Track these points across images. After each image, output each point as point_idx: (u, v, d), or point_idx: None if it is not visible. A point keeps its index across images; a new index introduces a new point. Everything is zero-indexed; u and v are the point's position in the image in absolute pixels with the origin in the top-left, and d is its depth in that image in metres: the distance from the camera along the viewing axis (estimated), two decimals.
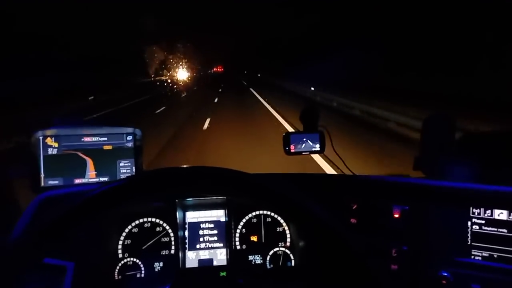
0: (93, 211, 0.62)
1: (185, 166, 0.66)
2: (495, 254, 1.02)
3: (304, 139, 1.44)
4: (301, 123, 1.47)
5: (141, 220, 1.25)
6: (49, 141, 1.27)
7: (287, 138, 1.42)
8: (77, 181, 1.31)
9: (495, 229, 1.02)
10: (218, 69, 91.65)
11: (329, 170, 5.28)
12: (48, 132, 1.28)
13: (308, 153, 1.44)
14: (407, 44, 14.73)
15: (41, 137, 1.27)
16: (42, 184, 1.28)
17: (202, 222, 1.29)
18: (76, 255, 1.06)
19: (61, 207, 0.61)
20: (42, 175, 1.28)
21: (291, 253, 1.29)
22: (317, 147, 1.44)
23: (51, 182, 1.29)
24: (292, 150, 1.42)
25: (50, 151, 1.28)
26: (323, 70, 19.98)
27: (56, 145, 1.28)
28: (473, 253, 1.05)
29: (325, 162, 5.60)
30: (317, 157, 5.66)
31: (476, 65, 10.40)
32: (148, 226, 1.25)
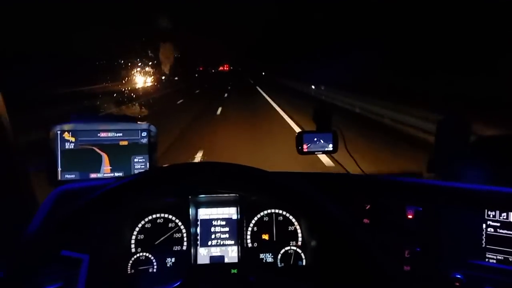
0: (110, 204, 0.63)
1: (200, 161, 0.67)
2: (510, 258, 1.01)
3: (317, 139, 1.44)
4: (314, 123, 1.48)
5: (154, 216, 1.26)
6: (66, 135, 1.30)
7: (300, 138, 1.42)
8: (93, 175, 1.33)
9: (511, 232, 1.01)
10: (225, 68, 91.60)
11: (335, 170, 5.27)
12: (66, 126, 1.30)
13: (321, 152, 1.44)
14: (410, 44, 14.61)
15: (59, 132, 1.29)
16: (59, 178, 1.30)
17: (214, 219, 1.30)
18: (91, 248, 1.07)
19: (79, 200, 0.62)
20: (59, 169, 1.30)
21: (302, 252, 1.29)
22: (330, 147, 1.43)
23: (67, 176, 1.31)
24: (305, 150, 1.42)
25: (67, 145, 1.30)
26: (326, 70, 20.00)
27: (73, 139, 1.30)
28: (487, 255, 1.04)
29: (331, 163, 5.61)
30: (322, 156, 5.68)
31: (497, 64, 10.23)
32: (161, 222, 1.27)
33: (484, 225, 1.04)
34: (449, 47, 12.28)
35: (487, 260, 1.04)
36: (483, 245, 1.04)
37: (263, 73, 53.87)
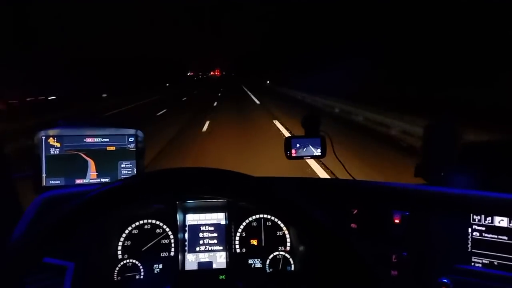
0: (96, 211, 0.62)
1: (187, 167, 0.66)
2: (496, 262, 1.01)
3: (306, 144, 1.44)
4: (302, 128, 1.48)
5: (141, 222, 1.25)
6: (51, 141, 1.28)
7: (289, 142, 1.42)
8: (78, 181, 1.32)
9: (496, 236, 1.02)
10: (216, 73, 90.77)
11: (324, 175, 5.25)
12: (51, 132, 1.28)
13: (309, 157, 1.44)
14: (409, 53, 14.78)
15: (43, 137, 1.28)
16: (44, 183, 1.28)
17: (202, 225, 1.29)
18: (76, 255, 1.06)
19: (63, 207, 0.61)
20: (44, 175, 1.28)
21: (291, 257, 1.29)
22: (318, 151, 1.44)
23: (52, 182, 1.29)
24: (294, 155, 1.43)
25: (52, 151, 1.28)
26: (320, 78, 20.14)
27: (58, 145, 1.28)
28: (473, 260, 1.04)
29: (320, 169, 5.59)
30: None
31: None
32: (148, 227, 1.25)
33: (469, 230, 1.05)
34: (447, 54, 12.44)
35: (473, 264, 1.04)
36: (469, 250, 1.05)
37: (268, 82, 43.22)
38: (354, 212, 1.21)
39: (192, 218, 1.29)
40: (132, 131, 1.35)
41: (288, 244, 1.30)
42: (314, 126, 1.46)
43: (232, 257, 1.26)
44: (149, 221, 1.25)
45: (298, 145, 1.43)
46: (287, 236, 1.30)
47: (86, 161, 1.31)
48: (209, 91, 34.89)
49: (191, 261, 1.26)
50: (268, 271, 1.27)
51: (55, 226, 0.60)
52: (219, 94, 28.82)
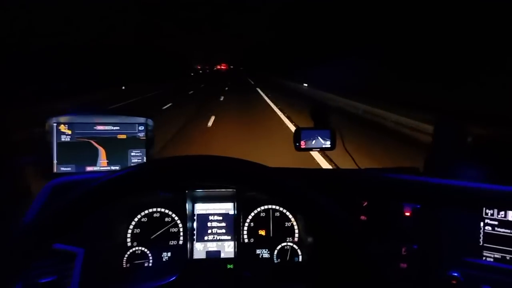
0: (105, 197, 0.61)
1: (199, 155, 0.66)
2: (508, 256, 1.00)
3: (315, 136, 1.43)
4: (311, 119, 1.47)
5: (150, 210, 1.25)
6: (62, 128, 1.28)
7: (298, 134, 1.42)
8: (89, 168, 1.32)
9: (509, 231, 1.01)
10: (222, 67, 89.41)
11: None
12: (62, 119, 1.29)
13: (318, 149, 1.43)
14: (409, 51, 14.62)
15: (55, 124, 1.28)
16: (55, 170, 1.29)
17: (211, 214, 1.29)
18: (86, 242, 1.06)
19: (72, 192, 0.60)
20: (55, 162, 1.29)
21: (298, 248, 1.29)
22: (328, 144, 1.43)
23: (63, 169, 1.30)
24: (303, 146, 1.42)
25: (63, 138, 1.29)
26: (323, 73, 19.98)
27: (69, 132, 1.29)
28: (484, 254, 1.03)
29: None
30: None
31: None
32: (157, 216, 1.26)
33: (482, 224, 1.04)
34: (449, 54, 12.29)
35: (484, 258, 1.03)
36: (481, 244, 1.04)
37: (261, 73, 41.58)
38: (364, 204, 1.20)
39: (200, 208, 1.29)
40: (142, 120, 1.35)
41: (296, 235, 1.29)
42: (324, 118, 1.45)
43: (240, 247, 1.26)
44: (158, 209, 1.26)
45: (307, 137, 1.42)
46: (295, 227, 1.30)
47: (97, 149, 1.32)
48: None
49: (200, 250, 1.26)
50: (275, 261, 1.27)
51: (64, 212, 0.60)
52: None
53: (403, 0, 14.79)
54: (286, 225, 1.30)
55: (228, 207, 1.30)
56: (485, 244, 1.03)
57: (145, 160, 1.36)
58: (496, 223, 1.02)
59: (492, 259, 1.02)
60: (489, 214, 1.03)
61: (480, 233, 1.04)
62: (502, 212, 1.01)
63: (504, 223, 1.01)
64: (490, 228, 1.03)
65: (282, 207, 1.31)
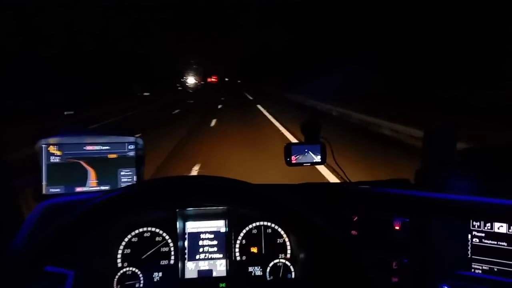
0: (97, 219, 0.62)
1: (188, 175, 0.67)
2: (495, 268, 1.01)
3: (306, 150, 1.45)
4: (302, 134, 1.49)
5: (140, 230, 1.25)
6: (52, 149, 1.29)
7: (289, 149, 1.43)
8: (78, 189, 1.32)
9: (495, 242, 1.02)
10: (212, 80, 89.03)
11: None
12: (52, 140, 1.29)
13: (309, 164, 1.45)
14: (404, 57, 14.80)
15: (44, 145, 1.28)
16: (44, 192, 1.28)
17: (202, 233, 1.29)
18: (76, 264, 1.06)
19: (65, 215, 0.61)
20: (44, 183, 1.28)
21: (291, 265, 1.28)
22: (318, 158, 1.44)
23: (52, 190, 1.29)
24: (293, 161, 1.43)
25: (52, 159, 1.29)
26: (317, 84, 20.06)
27: (59, 153, 1.29)
28: (473, 266, 1.04)
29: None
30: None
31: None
32: (148, 235, 1.25)
33: (469, 236, 1.05)
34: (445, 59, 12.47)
35: (473, 270, 1.04)
36: (469, 256, 1.05)
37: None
38: (355, 219, 1.21)
39: (192, 226, 1.29)
40: (131, 139, 1.35)
41: (289, 251, 1.29)
42: (314, 132, 1.47)
43: (232, 265, 1.26)
44: (149, 228, 1.25)
45: (298, 152, 1.44)
46: (288, 243, 1.30)
47: (86, 169, 1.31)
48: None
49: (191, 269, 1.25)
50: (268, 279, 1.27)
51: (56, 236, 0.60)
52: None
53: (401, 9, 15.03)
54: (278, 241, 1.30)
55: (219, 225, 1.30)
56: (473, 256, 1.04)
57: (135, 179, 1.36)
58: (483, 235, 1.03)
59: (480, 271, 1.03)
60: (476, 226, 1.04)
61: (468, 245, 1.05)
62: (489, 224, 1.03)
63: (491, 235, 1.02)
64: (477, 240, 1.04)
65: (274, 223, 1.31)
